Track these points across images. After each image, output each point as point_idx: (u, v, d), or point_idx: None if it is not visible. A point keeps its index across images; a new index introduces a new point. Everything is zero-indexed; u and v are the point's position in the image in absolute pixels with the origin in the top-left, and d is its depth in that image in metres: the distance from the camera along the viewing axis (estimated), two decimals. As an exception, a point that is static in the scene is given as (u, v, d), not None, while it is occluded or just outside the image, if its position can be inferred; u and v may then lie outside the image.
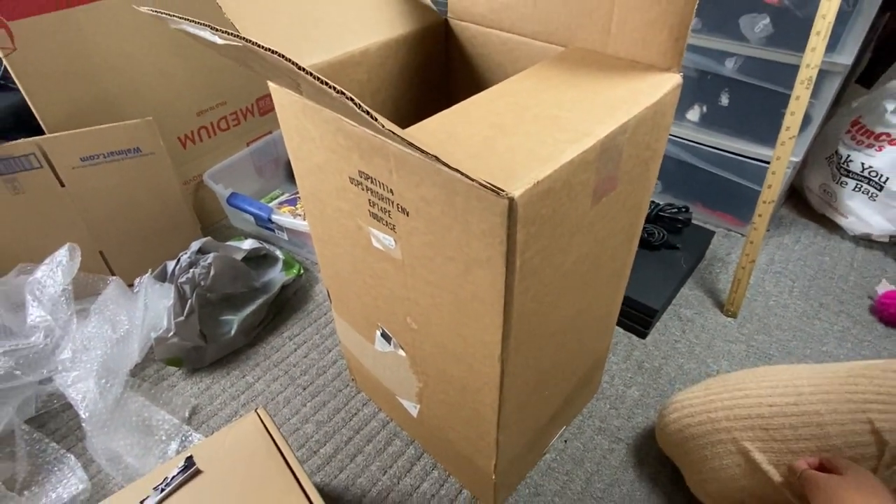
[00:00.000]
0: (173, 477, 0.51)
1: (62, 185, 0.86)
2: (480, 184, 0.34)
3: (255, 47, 0.30)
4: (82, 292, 0.87)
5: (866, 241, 1.01)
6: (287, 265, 0.96)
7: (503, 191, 0.33)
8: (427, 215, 0.41)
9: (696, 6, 0.43)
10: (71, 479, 0.68)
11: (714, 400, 0.60)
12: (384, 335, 0.62)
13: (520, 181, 0.34)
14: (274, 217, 0.95)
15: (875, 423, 0.49)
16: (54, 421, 0.78)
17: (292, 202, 1.06)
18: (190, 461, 0.52)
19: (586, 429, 0.74)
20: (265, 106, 1.14)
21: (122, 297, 0.86)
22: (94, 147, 0.85)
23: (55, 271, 0.82)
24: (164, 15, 0.37)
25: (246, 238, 0.99)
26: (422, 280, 0.48)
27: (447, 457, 0.68)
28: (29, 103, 0.81)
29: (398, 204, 0.44)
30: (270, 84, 0.49)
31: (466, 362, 0.50)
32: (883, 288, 0.90)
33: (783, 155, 0.79)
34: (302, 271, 0.96)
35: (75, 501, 0.67)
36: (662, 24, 0.45)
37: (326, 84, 0.29)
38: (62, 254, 0.83)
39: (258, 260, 0.97)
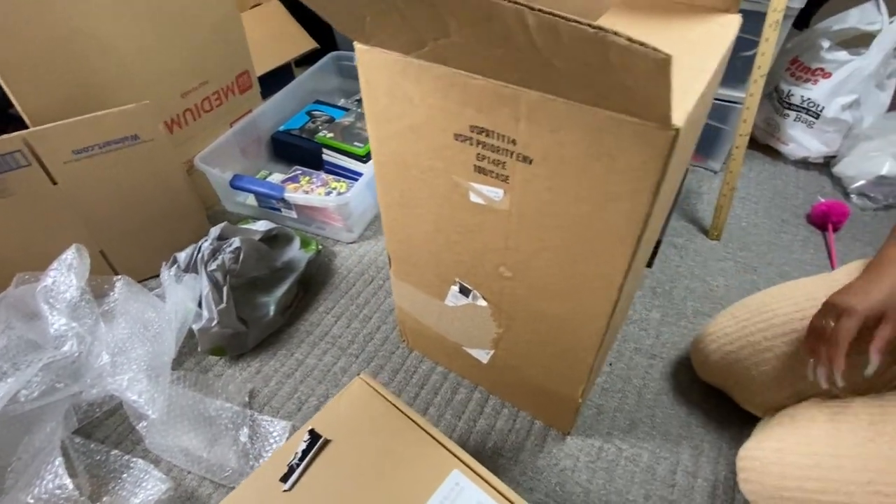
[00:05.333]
0: (304, 451, 0.48)
1: (54, 182, 0.75)
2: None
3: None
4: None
5: (804, 163, 1.13)
6: (304, 243, 0.91)
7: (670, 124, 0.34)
8: (558, 159, 0.41)
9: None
10: (149, 482, 0.62)
11: (746, 325, 0.64)
12: (462, 289, 0.61)
13: (676, 112, 0.35)
14: (287, 196, 0.89)
15: None
16: (99, 430, 0.71)
17: (294, 179, 1.00)
18: (314, 433, 0.50)
19: (625, 351, 0.78)
20: (244, 83, 1.05)
21: (142, 294, 0.79)
22: (88, 138, 0.75)
23: (67, 275, 0.73)
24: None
25: (255, 220, 0.92)
26: (531, 226, 0.48)
27: (519, 394, 0.70)
28: (8, 93, 0.69)
29: (520, 154, 0.43)
30: (358, 46, 0.46)
31: (573, 299, 0.51)
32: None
33: (756, 91, 0.85)
34: (320, 247, 0.92)
35: (163, 502, 0.62)
36: (728, -34, 0.47)
37: (578, 22, 0.27)
38: (70, 255, 0.74)
39: (271, 240, 0.91)
